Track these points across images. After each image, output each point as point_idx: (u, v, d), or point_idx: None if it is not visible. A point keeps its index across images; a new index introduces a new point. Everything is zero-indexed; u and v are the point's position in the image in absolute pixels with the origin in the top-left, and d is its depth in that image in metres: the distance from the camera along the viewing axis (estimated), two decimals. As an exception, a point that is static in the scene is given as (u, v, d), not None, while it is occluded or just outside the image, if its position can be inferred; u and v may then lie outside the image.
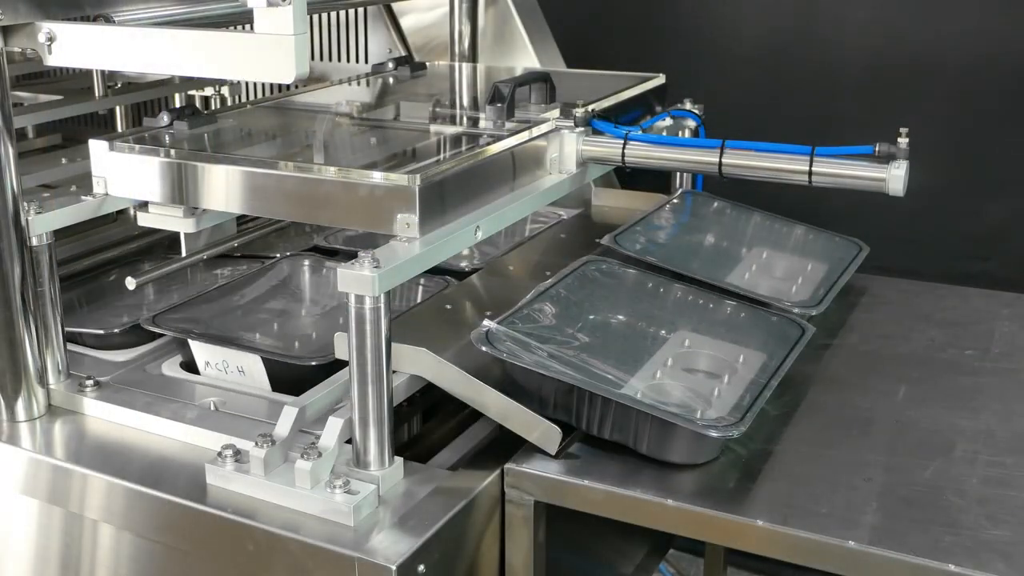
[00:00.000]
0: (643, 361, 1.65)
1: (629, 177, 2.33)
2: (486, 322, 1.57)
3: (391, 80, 2.32)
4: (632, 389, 1.55)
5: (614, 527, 1.52)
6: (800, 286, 1.94)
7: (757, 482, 1.48)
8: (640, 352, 1.67)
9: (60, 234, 1.72)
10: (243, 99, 2.81)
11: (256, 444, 1.47)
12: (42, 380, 1.70)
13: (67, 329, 1.78)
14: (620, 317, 1.75)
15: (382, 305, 1.41)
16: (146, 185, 1.68)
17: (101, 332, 1.88)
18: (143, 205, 1.77)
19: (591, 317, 1.72)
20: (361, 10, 2.77)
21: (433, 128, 1.99)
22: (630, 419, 1.49)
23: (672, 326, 1.75)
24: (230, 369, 1.72)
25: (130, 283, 1.78)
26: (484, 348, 1.53)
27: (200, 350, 1.74)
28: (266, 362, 1.70)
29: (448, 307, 1.78)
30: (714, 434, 1.46)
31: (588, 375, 1.54)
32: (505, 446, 1.56)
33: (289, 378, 1.67)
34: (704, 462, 1.51)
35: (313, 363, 1.67)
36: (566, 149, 1.83)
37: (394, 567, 1.34)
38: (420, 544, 1.38)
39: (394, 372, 1.51)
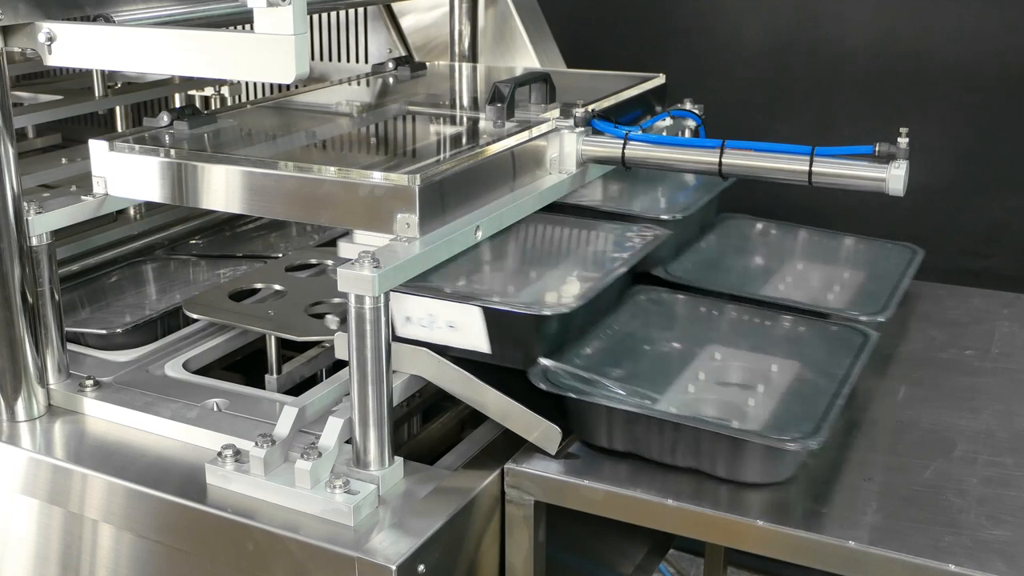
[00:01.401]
0: (705, 383, 1.63)
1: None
2: (543, 360, 1.55)
3: (391, 80, 2.32)
4: (698, 412, 1.54)
5: (614, 527, 1.52)
6: (860, 295, 1.92)
7: (758, 484, 1.47)
8: (697, 374, 1.66)
9: (60, 234, 1.72)
10: (243, 99, 2.81)
11: (256, 444, 1.47)
12: (42, 380, 1.70)
13: (69, 329, 1.78)
14: (676, 344, 1.74)
15: (382, 305, 1.41)
16: (146, 185, 1.68)
17: (103, 332, 1.88)
18: (346, 235, 1.73)
19: (646, 347, 1.71)
20: (361, 10, 2.77)
21: (433, 128, 1.99)
22: (701, 442, 1.46)
23: (729, 346, 1.73)
24: (437, 324, 1.57)
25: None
26: (544, 386, 1.50)
27: (400, 304, 1.58)
28: (489, 314, 1.54)
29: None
30: (792, 447, 1.42)
31: (652, 403, 1.53)
32: (505, 446, 1.57)
33: (514, 335, 1.55)
34: (784, 479, 1.47)
35: (547, 313, 1.55)
36: (566, 149, 1.83)
37: (394, 567, 1.34)
38: (420, 544, 1.38)
39: (394, 372, 1.51)
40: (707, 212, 2.12)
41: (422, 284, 1.56)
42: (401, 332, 1.56)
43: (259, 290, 2.01)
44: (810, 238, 2.16)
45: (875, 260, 2.08)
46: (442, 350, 1.56)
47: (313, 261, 2.16)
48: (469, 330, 1.54)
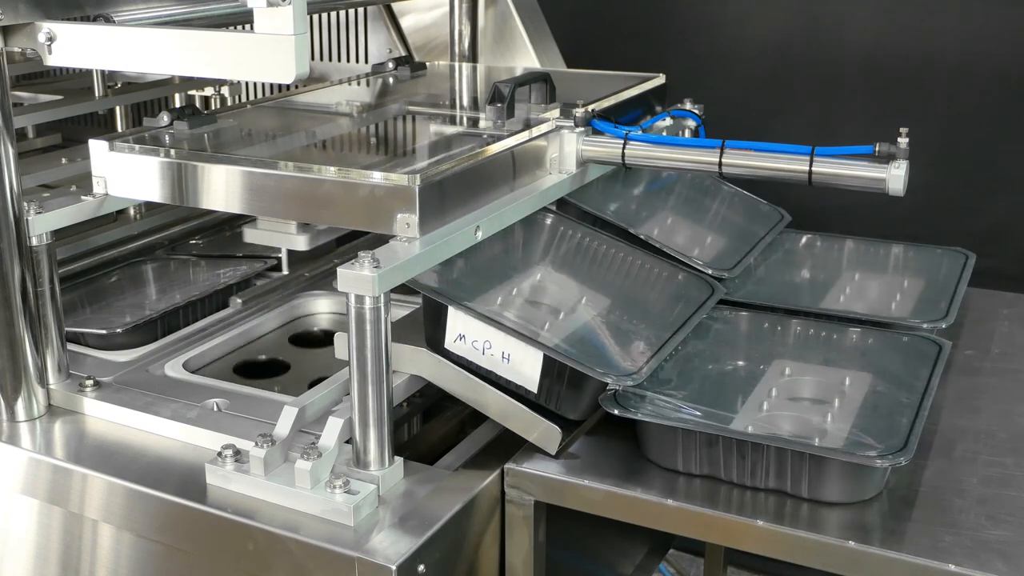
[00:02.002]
0: (777, 400, 1.61)
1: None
2: (612, 382, 1.53)
3: (391, 80, 2.32)
4: (774, 430, 1.52)
5: (614, 527, 1.52)
6: (921, 303, 1.91)
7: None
8: (769, 392, 1.65)
9: (60, 234, 1.72)
10: (243, 99, 2.81)
11: (256, 444, 1.47)
12: (42, 380, 1.70)
13: (69, 329, 1.78)
14: (744, 362, 1.73)
15: (382, 305, 1.41)
16: (146, 185, 1.68)
17: (103, 332, 1.88)
18: (252, 220, 1.73)
19: (714, 366, 1.70)
20: (361, 10, 2.76)
21: (433, 128, 1.99)
22: (785, 462, 1.42)
23: (799, 361, 1.72)
24: (490, 352, 1.55)
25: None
26: (617, 411, 1.49)
27: (459, 321, 1.56)
28: (549, 362, 1.52)
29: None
30: (880, 463, 1.39)
31: (726, 424, 1.51)
32: (505, 446, 1.57)
33: (572, 389, 1.53)
34: (872, 497, 1.44)
35: (608, 380, 1.52)
36: (566, 149, 1.83)
37: (394, 567, 1.34)
38: (420, 544, 1.38)
39: (394, 372, 1.51)
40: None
41: (477, 305, 1.55)
42: (448, 346, 1.56)
43: (263, 362, 2.00)
44: (858, 248, 2.13)
45: (928, 267, 2.06)
46: (484, 373, 1.55)
47: (316, 330, 2.13)
48: (523, 368, 1.53)
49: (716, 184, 2.22)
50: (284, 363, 2.00)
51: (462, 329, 1.55)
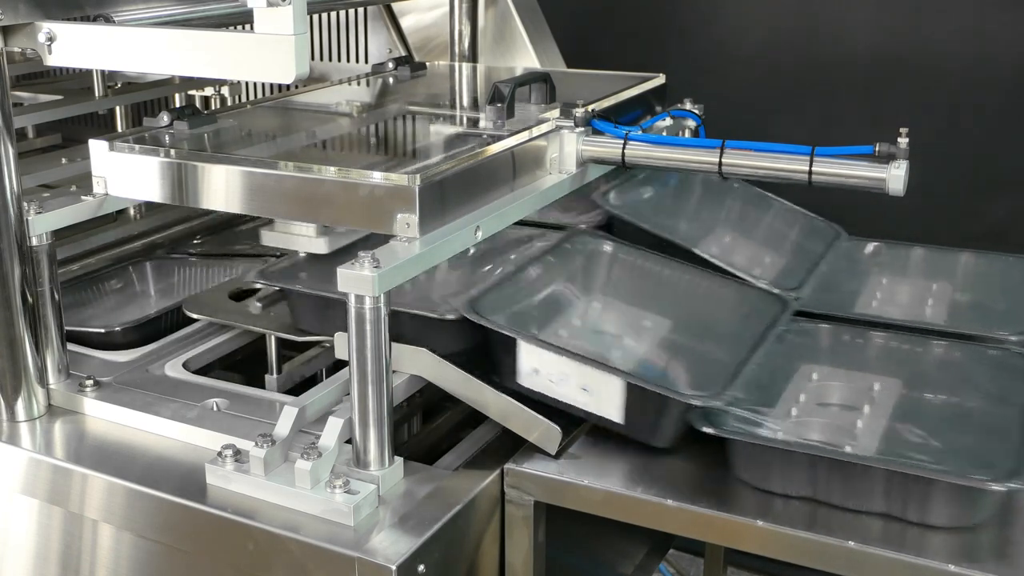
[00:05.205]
0: (870, 418, 1.57)
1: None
2: (695, 400, 1.47)
3: (391, 80, 2.32)
4: (883, 452, 1.46)
5: (614, 527, 1.52)
6: (1000, 314, 1.85)
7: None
8: (862, 409, 1.60)
9: (60, 234, 1.71)
10: (243, 99, 2.81)
11: (256, 444, 1.47)
12: (42, 380, 1.70)
13: (69, 329, 1.78)
14: (828, 378, 1.67)
15: (382, 305, 1.41)
16: (146, 185, 1.68)
17: (103, 332, 1.88)
18: (268, 223, 1.72)
19: (798, 381, 1.64)
20: (361, 10, 2.77)
21: (433, 128, 1.99)
22: (894, 484, 1.36)
23: (888, 376, 1.66)
24: (567, 385, 1.51)
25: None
26: (709, 430, 1.44)
27: (532, 355, 1.52)
28: (632, 390, 1.48)
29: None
30: (996, 487, 1.32)
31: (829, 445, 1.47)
32: (505, 446, 1.56)
33: (656, 415, 1.49)
34: (981, 520, 1.38)
35: (695, 402, 1.47)
36: (566, 149, 1.83)
37: (394, 567, 1.34)
38: (420, 544, 1.38)
39: (394, 372, 1.51)
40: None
41: (550, 338, 1.52)
42: (523, 381, 1.53)
43: (259, 290, 2.01)
44: (927, 255, 2.08)
45: (999, 275, 2.01)
46: (562, 407, 1.52)
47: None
48: (603, 398, 1.49)
49: (765, 198, 2.16)
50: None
51: (536, 363, 1.51)
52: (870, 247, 2.13)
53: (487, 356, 1.58)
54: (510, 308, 1.62)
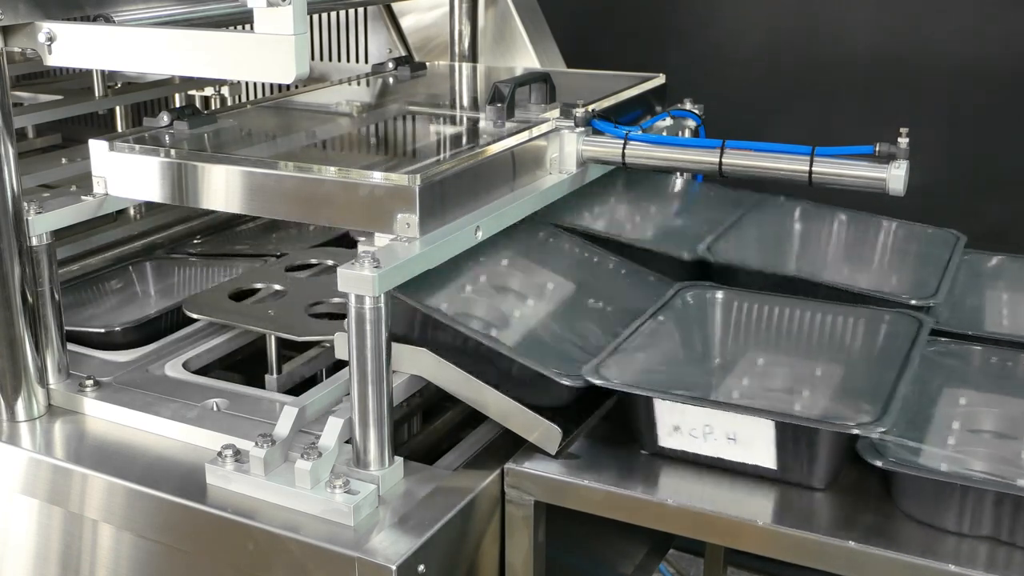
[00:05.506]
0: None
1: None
2: (861, 432, 1.38)
3: (391, 80, 2.32)
4: None
5: (614, 527, 1.52)
6: None
7: (758, 483, 1.47)
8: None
9: (60, 234, 1.71)
10: (243, 99, 2.81)
11: (256, 444, 1.47)
12: (42, 380, 1.70)
13: (69, 329, 1.78)
14: (984, 407, 1.57)
15: (382, 305, 1.41)
16: (146, 185, 1.68)
17: (103, 332, 1.88)
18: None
19: (951, 409, 1.56)
20: (361, 10, 2.77)
21: (433, 128, 1.99)
22: None
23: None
24: (712, 437, 1.44)
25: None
26: (880, 463, 1.35)
27: (671, 412, 1.45)
28: (783, 430, 1.40)
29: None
30: None
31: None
32: (505, 446, 1.56)
33: (816, 452, 1.41)
34: None
35: (857, 431, 1.37)
36: (566, 149, 1.83)
37: (394, 567, 1.34)
38: (420, 544, 1.38)
39: (394, 372, 1.51)
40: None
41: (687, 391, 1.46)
42: (663, 442, 1.49)
43: (259, 290, 2.01)
44: (1002, 262, 1.99)
45: None
46: (705, 461, 1.47)
47: (313, 261, 2.16)
48: (755, 444, 1.42)
49: (875, 218, 2.11)
50: (280, 290, 2.00)
51: (676, 420, 1.45)
52: (995, 259, 2.02)
53: (632, 421, 1.52)
54: (637, 367, 1.56)
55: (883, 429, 1.36)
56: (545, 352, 1.59)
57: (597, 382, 1.48)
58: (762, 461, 1.44)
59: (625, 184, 2.13)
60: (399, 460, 1.51)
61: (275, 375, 1.83)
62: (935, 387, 1.59)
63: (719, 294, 1.77)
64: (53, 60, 1.59)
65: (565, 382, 1.49)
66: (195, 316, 1.86)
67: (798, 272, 1.90)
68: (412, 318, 1.52)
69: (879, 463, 1.36)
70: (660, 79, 2.28)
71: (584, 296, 1.78)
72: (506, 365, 1.49)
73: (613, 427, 1.59)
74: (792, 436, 1.41)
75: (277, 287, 2.01)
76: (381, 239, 1.53)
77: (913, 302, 1.72)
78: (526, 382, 1.50)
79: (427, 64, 2.45)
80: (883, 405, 1.42)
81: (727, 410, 1.44)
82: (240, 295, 1.98)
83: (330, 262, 2.12)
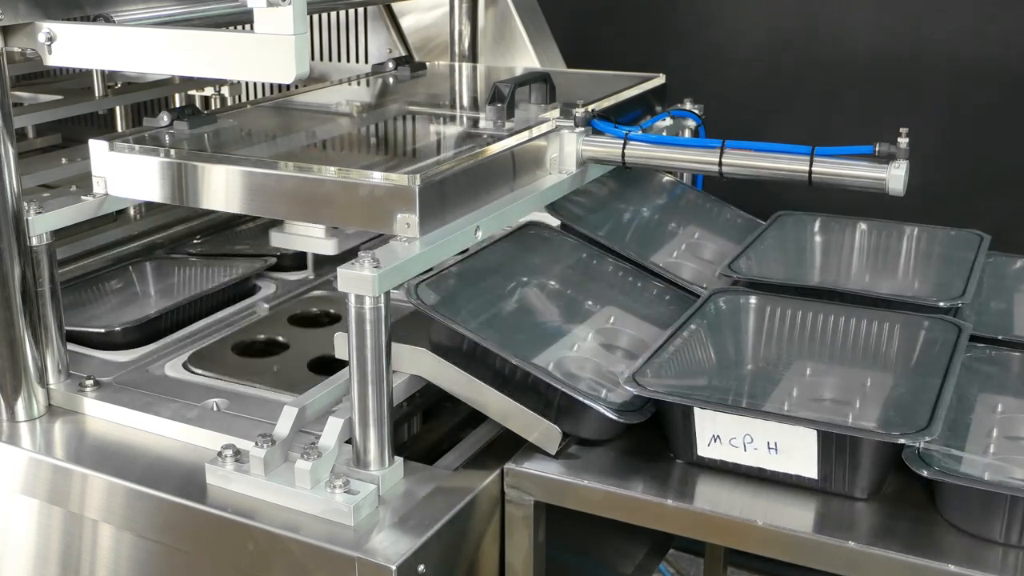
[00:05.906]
0: None
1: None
2: (908, 442, 1.35)
3: (391, 80, 2.32)
4: None
5: (614, 527, 1.52)
6: None
7: (757, 482, 1.47)
8: None
9: (60, 234, 1.71)
10: (243, 99, 2.81)
11: (256, 444, 1.47)
12: (42, 380, 1.70)
13: (69, 329, 1.78)
14: (1001, 407, 1.55)
15: (382, 305, 1.41)
16: (146, 185, 1.68)
17: (103, 332, 1.88)
18: (278, 224, 1.71)
19: (988, 416, 1.54)
20: (361, 10, 2.77)
21: (433, 128, 1.99)
22: None
23: None
24: (753, 446, 1.43)
25: None
26: (926, 473, 1.33)
27: (711, 421, 1.44)
28: (826, 439, 1.38)
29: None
30: None
31: None
32: (505, 446, 1.56)
33: (860, 462, 1.39)
34: None
35: (903, 441, 1.35)
36: (566, 149, 1.83)
37: (394, 567, 1.34)
38: (420, 544, 1.38)
39: (394, 372, 1.51)
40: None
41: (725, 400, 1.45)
42: (703, 453, 1.47)
43: (262, 342, 1.99)
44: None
45: None
46: (745, 471, 1.46)
47: (314, 310, 2.13)
48: (795, 453, 1.40)
49: (898, 225, 2.11)
50: (283, 343, 1.99)
51: (717, 429, 1.44)
52: (1018, 263, 2.00)
53: (668, 431, 1.51)
54: (671, 377, 1.55)
55: (930, 438, 1.34)
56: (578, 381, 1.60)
57: (636, 391, 1.47)
58: (803, 471, 1.42)
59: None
60: (399, 460, 1.51)
61: None
62: (972, 393, 1.58)
63: (752, 299, 1.75)
64: (53, 60, 1.59)
65: (621, 420, 1.48)
66: (199, 372, 1.81)
67: (821, 282, 1.89)
68: (459, 343, 1.54)
69: (925, 473, 1.34)
70: (660, 79, 2.28)
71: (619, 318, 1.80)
72: (552, 394, 1.50)
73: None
74: (836, 446, 1.39)
75: (280, 339, 2.00)
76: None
77: (941, 304, 1.71)
78: (572, 413, 1.51)
79: (427, 64, 2.45)
80: (929, 413, 1.39)
81: (773, 420, 1.42)
82: (243, 348, 1.95)
83: (332, 311, 2.10)
